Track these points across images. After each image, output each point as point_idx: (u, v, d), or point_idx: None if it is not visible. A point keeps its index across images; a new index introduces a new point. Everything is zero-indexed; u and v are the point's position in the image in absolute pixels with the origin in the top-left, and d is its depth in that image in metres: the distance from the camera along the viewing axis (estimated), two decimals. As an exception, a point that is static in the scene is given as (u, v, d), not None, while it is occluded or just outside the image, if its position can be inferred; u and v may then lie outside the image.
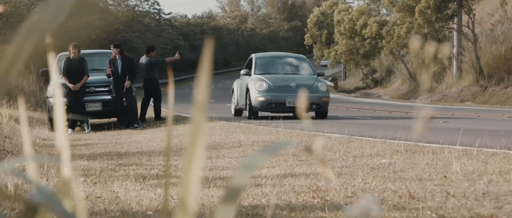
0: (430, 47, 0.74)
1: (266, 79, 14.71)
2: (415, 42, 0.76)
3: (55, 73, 0.99)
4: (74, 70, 12.52)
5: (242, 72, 15.73)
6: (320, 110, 14.54)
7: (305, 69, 15.74)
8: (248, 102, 14.75)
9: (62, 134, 0.81)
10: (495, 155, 5.12)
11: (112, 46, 13.28)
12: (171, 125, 0.79)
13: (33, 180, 0.73)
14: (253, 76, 15.05)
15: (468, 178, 3.98)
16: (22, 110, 0.84)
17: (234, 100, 16.48)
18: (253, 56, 16.08)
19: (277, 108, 14.50)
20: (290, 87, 14.46)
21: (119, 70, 13.10)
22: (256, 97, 14.40)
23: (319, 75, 15.53)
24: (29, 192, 3.59)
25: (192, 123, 0.65)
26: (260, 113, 15.08)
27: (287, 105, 14.37)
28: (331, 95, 37.27)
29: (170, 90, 0.87)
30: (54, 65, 0.93)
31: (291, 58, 16.45)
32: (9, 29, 33.72)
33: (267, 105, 14.38)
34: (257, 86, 14.52)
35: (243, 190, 0.69)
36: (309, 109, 13.67)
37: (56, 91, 0.87)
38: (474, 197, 3.36)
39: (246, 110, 15.10)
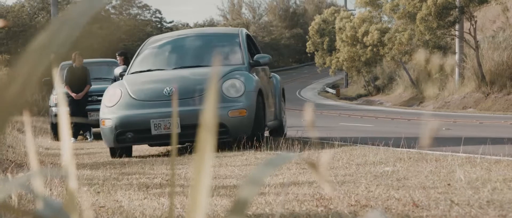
0: (436, 59, 0.74)
1: (126, 84, 8.10)
2: (420, 56, 0.76)
3: (59, 82, 0.99)
4: (77, 79, 12.54)
5: (115, 71, 9.07)
6: (224, 137, 7.64)
7: (228, 55, 8.81)
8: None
9: (67, 146, 0.81)
10: (498, 163, 5.10)
11: (117, 55, 13.32)
12: (176, 134, 0.78)
13: (40, 193, 0.73)
14: (124, 77, 8.59)
15: (472, 186, 3.97)
16: (27, 122, 0.84)
17: None
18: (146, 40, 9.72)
19: (138, 138, 7.76)
20: (162, 95, 7.77)
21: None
22: (102, 120, 7.89)
23: (255, 64, 8.65)
24: (33, 202, 3.59)
25: (200, 140, 0.65)
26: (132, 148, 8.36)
27: (153, 132, 7.61)
28: (334, 102, 37.52)
29: (174, 100, 0.87)
30: (57, 74, 0.93)
31: (209, 37, 9.30)
32: (11, 39, 33.82)
33: (118, 135, 7.73)
34: (106, 99, 8.01)
35: (250, 203, 0.69)
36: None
37: (60, 101, 0.87)
38: (479, 205, 3.35)
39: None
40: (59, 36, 0.49)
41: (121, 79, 8.64)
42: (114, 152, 7.99)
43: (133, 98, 7.89)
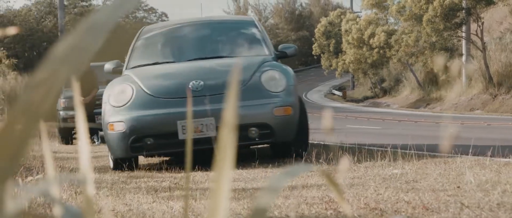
0: (455, 66, 0.73)
1: (137, 78, 6.69)
2: (439, 60, 0.75)
3: (74, 87, 0.99)
4: (84, 82, 12.57)
5: (106, 67, 7.57)
6: (267, 141, 6.45)
7: (249, 45, 7.53)
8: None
9: (84, 151, 0.81)
10: (508, 165, 5.08)
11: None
12: (191, 137, 0.78)
13: (58, 200, 0.73)
14: (123, 73, 7.23)
15: (481, 188, 3.95)
16: (42, 128, 0.84)
17: None
18: (140, 30, 8.14)
19: (161, 145, 6.29)
20: (189, 90, 6.41)
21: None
22: (110, 124, 6.43)
23: (281, 55, 7.40)
24: (43, 206, 3.60)
25: (220, 142, 0.65)
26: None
27: (181, 137, 6.20)
28: (340, 104, 37.46)
29: (188, 101, 0.87)
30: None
31: (220, 25, 8.01)
32: (18, 43, 33.99)
33: (134, 142, 6.31)
34: (112, 98, 6.53)
35: (268, 212, 0.68)
36: (243, 138, 6.22)
37: (76, 105, 0.87)
38: (489, 207, 3.33)
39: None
40: (81, 44, 0.49)
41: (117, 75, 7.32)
42: (118, 164, 6.52)
43: (151, 95, 6.42)
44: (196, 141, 6.12)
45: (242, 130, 6.20)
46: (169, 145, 6.31)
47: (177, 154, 6.75)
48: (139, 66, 7.28)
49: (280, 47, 7.57)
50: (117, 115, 6.41)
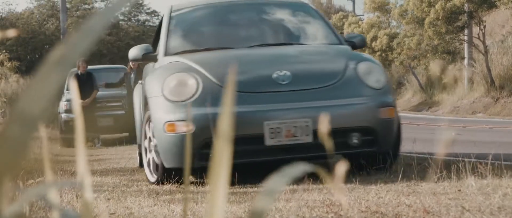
0: (451, 71, 0.73)
1: (195, 65, 5.25)
2: (435, 67, 0.75)
3: (73, 90, 0.99)
4: (83, 85, 12.58)
5: (131, 53, 6.18)
6: (370, 148, 5.14)
7: (314, 31, 6.17)
8: (147, 140, 5.41)
9: (82, 155, 0.81)
10: (509, 168, 5.08)
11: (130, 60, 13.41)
12: (190, 141, 0.79)
13: (56, 203, 0.73)
14: (161, 60, 5.81)
15: (482, 191, 3.95)
16: (42, 131, 0.84)
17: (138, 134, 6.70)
18: (168, 7, 6.45)
19: (240, 153, 4.62)
20: (273, 83, 5.02)
21: (132, 83, 13.23)
22: (168, 124, 4.95)
23: (353, 46, 6.02)
24: (44, 209, 3.60)
25: (217, 146, 0.65)
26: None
27: (268, 142, 4.82)
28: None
29: (189, 105, 0.88)
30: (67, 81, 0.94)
31: (268, 6, 6.48)
32: (21, 46, 34.06)
33: (203, 148, 4.78)
34: (168, 90, 5.09)
35: (266, 214, 0.69)
36: (341, 145, 5.01)
37: (74, 108, 0.88)
38: (490, 211, 3.33)
39: (145, 159, 5.49)
40: (78, 47, 0.49)
41: (150, 64, 6.09)
42: (171, 175, 5.14)
43: (224, 88, 4.66)
44: (287, 149, 4.89)
45: (340, 135, 4.99)
46: (252, 153, 4.83)
47: (261, 164, 5.08)
48: (187, 51, 5.77)
49: (346, 36, 6.34)
50: (179, 112, 4.98)
